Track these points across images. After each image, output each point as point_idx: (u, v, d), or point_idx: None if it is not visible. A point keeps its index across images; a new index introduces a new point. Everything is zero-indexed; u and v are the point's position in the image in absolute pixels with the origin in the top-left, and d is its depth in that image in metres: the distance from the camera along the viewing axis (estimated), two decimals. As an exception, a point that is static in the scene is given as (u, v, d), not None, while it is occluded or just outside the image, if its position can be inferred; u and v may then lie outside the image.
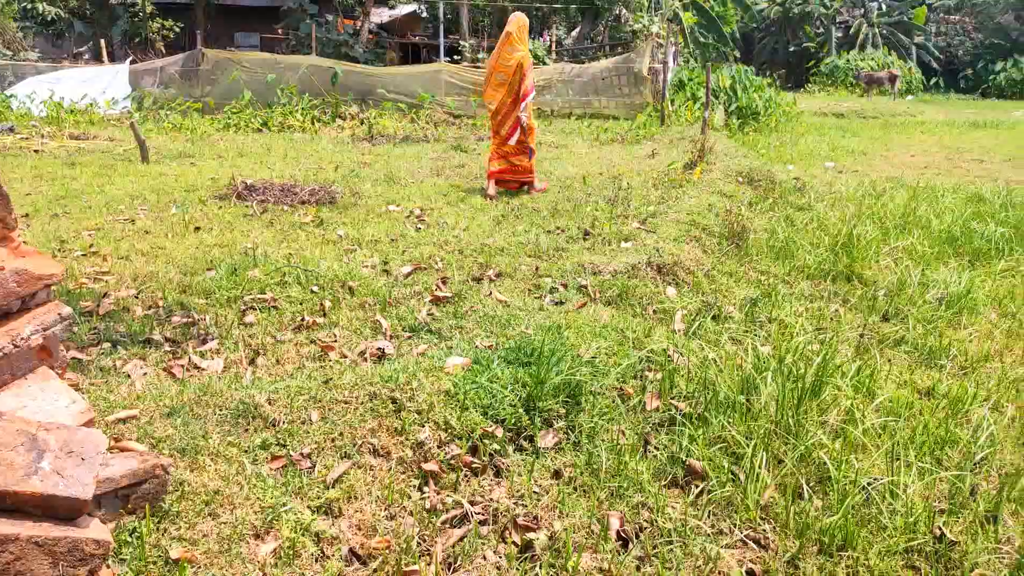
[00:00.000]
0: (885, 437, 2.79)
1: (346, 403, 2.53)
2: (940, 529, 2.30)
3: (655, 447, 2.78)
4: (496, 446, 2.59)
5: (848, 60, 33.20)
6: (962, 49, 37.88)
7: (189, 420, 2.32)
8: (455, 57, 20.98)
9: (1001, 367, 3.62)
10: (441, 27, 23.39)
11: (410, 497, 2.24)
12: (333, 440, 2.36)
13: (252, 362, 3.23)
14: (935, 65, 36.11)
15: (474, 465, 2.47)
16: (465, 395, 2.69)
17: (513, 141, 7.29)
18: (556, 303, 4.20)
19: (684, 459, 2.67)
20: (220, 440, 2.23)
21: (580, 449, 2.70)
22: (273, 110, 13.98)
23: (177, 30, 24.41)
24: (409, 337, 3.53)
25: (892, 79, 29.05)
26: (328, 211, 6.35)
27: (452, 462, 2.43)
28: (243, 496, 2.02)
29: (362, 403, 2.53)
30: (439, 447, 2.46)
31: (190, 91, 15.33)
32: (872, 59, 33.08)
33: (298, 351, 3.32)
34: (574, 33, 25.82)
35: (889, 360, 3.65)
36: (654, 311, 4.23)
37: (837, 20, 36.87)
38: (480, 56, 19.94)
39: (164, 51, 22.03)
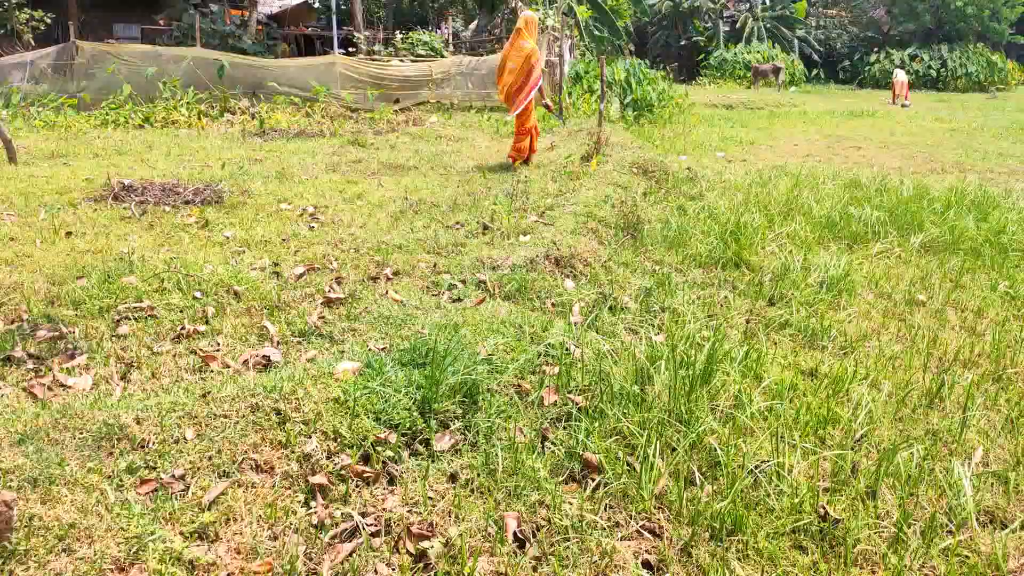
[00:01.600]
0: (771, 420, 2.87)
1: (225, 417, 2.38)
2: (824, 508, 2.38)
3: (553, 442, 2.76)
4: (390, 452, 2.51)
5: (735, 53, 34.54)
6: (840, 42, 40.08)
7: (43, 446, 2.11)
8: (350, 49, 20.46)
9: (878, 345, 3.80)
10: (334, 18, 22.75)
11: (295, 513, 2.12)
12: (210, 459, 2.21)
13: (124, 377, 3.01)
14: (816, 57, 38.05)
15: (366, 474, 2.37)
16: (356, 401, 2.59)
17: (510, 117, 8.48)
18: (454, 300, 4.14)
19: (581, 453, 2.66)
20: (79, 467, 2.05)
21: (477, 450, 2.65)
22: (155, 105, 13.22)
23: (48, 21, 22.77)
24: (299, 343, 3.38)
25: (776, 71, 30.45)
26: (214, 211, 6.04)
27: (342, 473, 2.33)
28: (104, 527, 1.85)
29: (243, 416, 2.39)
30: (328, 458, 2.35)
31: (64, 86, 14.30)
32: (758, 52, 34.53)
33: (176, 363, 3.12)
34: (472, 26, 25.73)
35: (775, 343, 3.78)
36: (552, 304, 4.22)
37: (724, 14, 38.27)
38: (376, 48, 19.54)
39: (33, 43, 20.48)
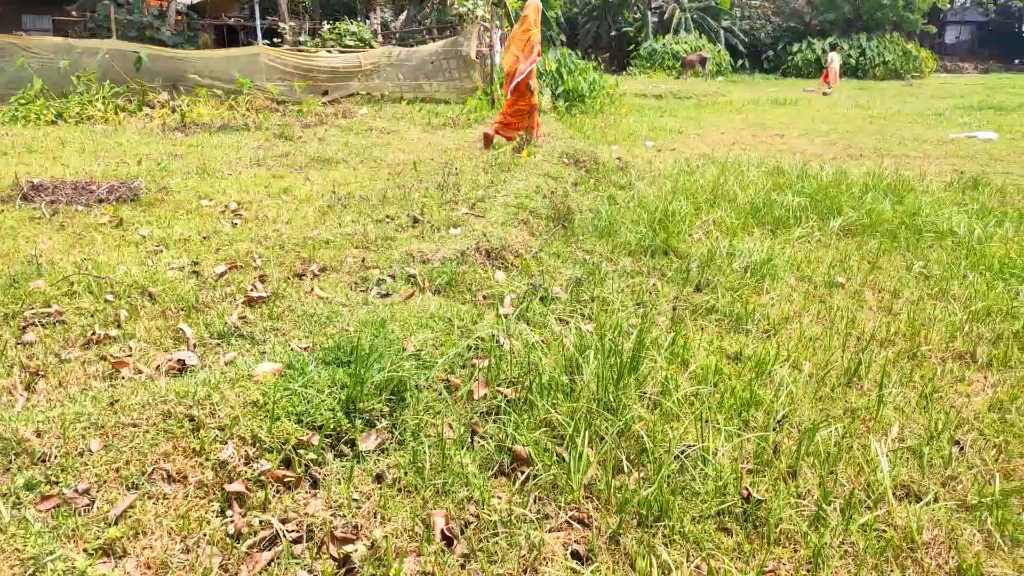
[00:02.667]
0: (697, 404, 2.90)
1: (135, 426, 2.27)
2: (747, 490, 2.41)
3: (482, 437, 2.73)
4: (312, 455, 2.43)
5: (664, 44, 35.09)
6: (764, 32, 41.15)
7: (-70, 467, 1.97)
8: (275, 40, 19.93)
9: (799, 327, 3.89)
10: (257, 8, 22.10)
11: (210, 524, 2.04)
12: (118, 471, 2.10)
13: (29, 387, 2.84)
14: (741, 47, 38.99)
15: (287, 479, 2.30)
16: (276, 404, 2.50)
17: (509, 95, 8.74)
18: (382, 295, 4.06)
19: (510, 446, 2.64)
20: (-30, 487, 1.92)
21: (405, 448, 2.60)
22: (69, 100, 12.62)
23: (-51, 11, 21.49)
24: (218, 345, 3.25)
25: (702, 61, 31.05)
26: (130, 209, 5.79)
27: (261, 479, 2.25)
28: (-4, 550, 1.74)
29: (154, 424, 2.28)
30: (246, 464, 2.27)
31: (-33, 81, 13.52)
32: (685, 43, 35.16)
33: (85, 370, 2.97)
34: (402, 16, 25.39)
35: (701, 328, 3.83)
36: (484, 297, 4.19)
37: (652, 5, 38.81)
38: (302, 39, 19.08)
39: (-67, 35, 19.26)
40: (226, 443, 2.28)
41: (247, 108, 13.18)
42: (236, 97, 13.54)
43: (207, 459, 2.22)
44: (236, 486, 2.16)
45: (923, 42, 40.59)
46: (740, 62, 38.46)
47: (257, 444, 2.34)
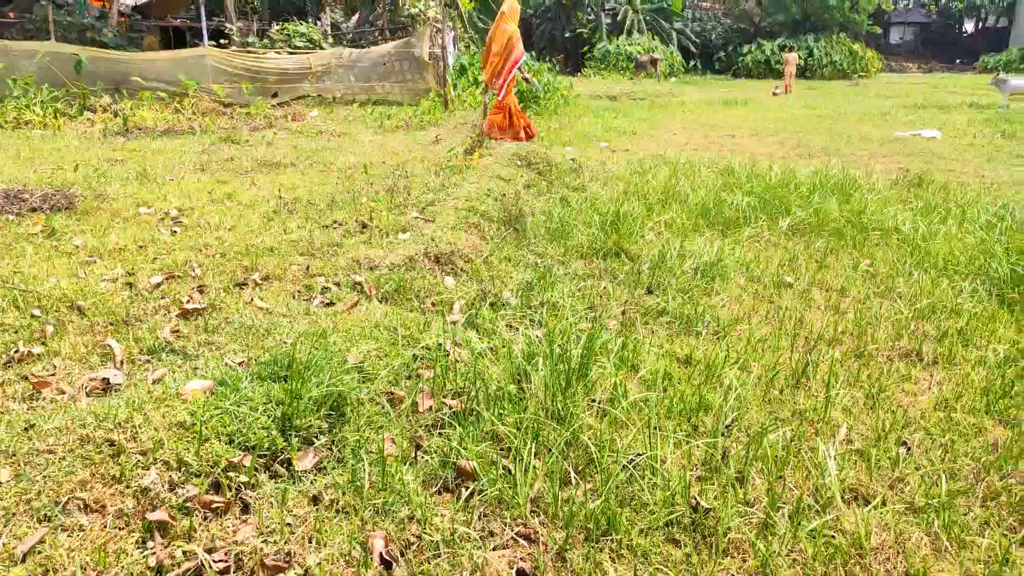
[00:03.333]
0: (646, 410, 2.85)
1: (50, 453, 2.12)
2: (696, 499, 2.37)
3: (427, 451, 2.64)
4: (244, 478, 2.31)
5: (618, 45, 35.32)
6: (715, 34, 41.71)
7: None
8: (222, 41, 19.48)
9: (749, 328, 3.88)
10: (203, 9, 21.58)
11: (129, 555, 1.91)
12: (29, 502, 1.96)
13: (-60, 412, 2.66)
14: (693, 48, 39.45)
15: (215, 505, 2.17)
16: (205, 424, 2.38)
17: (501, 96, 8.45)
18: (326, 304, 3.95)
19: (455, 461, 2.55)
20: None
21: (344, 466, 2.49)
22: (5, 104, 12.16)
23: None
24: (147, 361, 3.10)
25: (654, 62, 31.32)
26: (64, 218, 5.55)
27: (187, 505, 2.12)
28: None
29: (70, 450, 2.14)
30: (171, 490, 2.14)
31: None
32: (638, 44, 35.43)
33: (3, 391, 2.80)
34: (355, 18, 25.09)
35: (652, 331, 3.79)
36: (432, 304, 4.10)
37: (606, 7, 39.03)
38: (250, 40, 18.68)
39: None
40: (148, 468, 2.14)
41: (193, 111, 12.85)
42: (182, 100, 13.20)
43: (127, 486, 2.09)
44: (158, 514, 2.03)
45: (869, 43, 41.56)
46: (692, 63, 38.92)
47: (183, 468, 2.22)
